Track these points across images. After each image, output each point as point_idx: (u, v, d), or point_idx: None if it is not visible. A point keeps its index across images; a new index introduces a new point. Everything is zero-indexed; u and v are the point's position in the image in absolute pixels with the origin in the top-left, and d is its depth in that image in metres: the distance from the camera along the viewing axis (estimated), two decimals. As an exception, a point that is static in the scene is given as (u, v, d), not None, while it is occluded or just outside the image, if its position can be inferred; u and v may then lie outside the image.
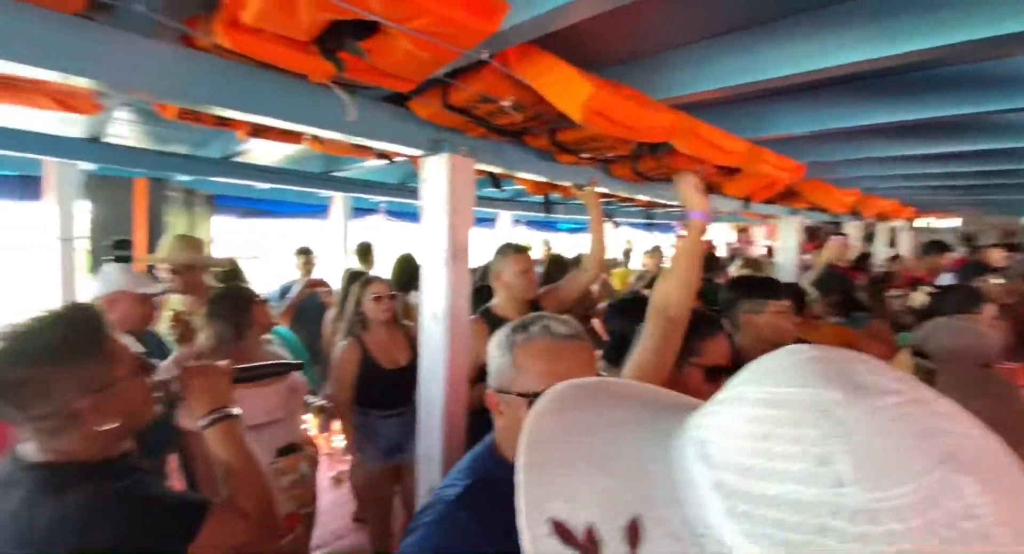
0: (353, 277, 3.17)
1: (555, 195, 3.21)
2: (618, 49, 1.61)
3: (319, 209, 4.81)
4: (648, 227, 4.00)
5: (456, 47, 1.12)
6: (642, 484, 0.36)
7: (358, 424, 2.35)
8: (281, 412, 1.93)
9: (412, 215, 5.45)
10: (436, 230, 1.81)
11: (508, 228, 6.14)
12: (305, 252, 3.76)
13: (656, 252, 4.99)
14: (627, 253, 6.03)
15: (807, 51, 1.35)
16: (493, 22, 1.05)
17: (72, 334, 0.89)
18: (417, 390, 1.93)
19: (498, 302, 2.20)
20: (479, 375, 2.02)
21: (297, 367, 1.31)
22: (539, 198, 3.33)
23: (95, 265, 2.97)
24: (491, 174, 2.49)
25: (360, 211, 4.98)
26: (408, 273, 3.23)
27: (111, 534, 0.82)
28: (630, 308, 2.29)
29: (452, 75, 1.41)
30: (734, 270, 4.44)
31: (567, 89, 1.21)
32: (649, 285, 4.12)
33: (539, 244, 6.19)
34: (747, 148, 2.13)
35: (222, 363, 1.10)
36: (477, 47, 1.15)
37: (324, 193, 4.40)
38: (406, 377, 2.23)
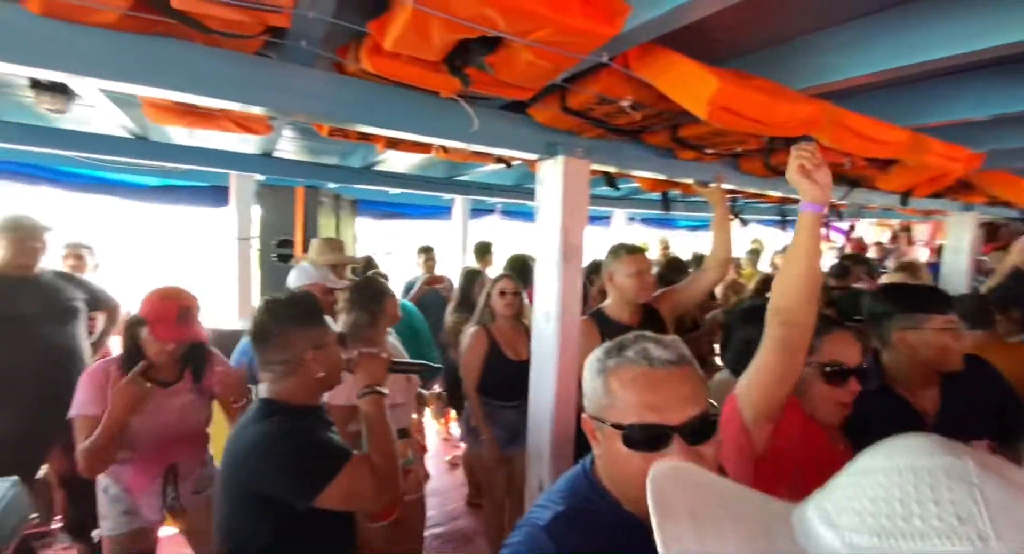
0: (470, 275, 3.35)
1: (674, 192, 3.07)
2: (749, 38, 1.50)
3: (443, 211, 5.16)
4: (781, 224, 3.60)
5: (576, 54, 1.14)
6: (767, 545, 0.43)
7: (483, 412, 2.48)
8: (400, 398, 2.12)
9: (526, 215, 5.58)
10: (550, 231, 1.85)
11: (623, 227, 6.00)
12: (426, 250, 4.05)
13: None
14: (755, 253, 5.47)
15: (978, 28, 1.13)
16: (614, 25, 1.05)
17: (306, 307, 1.29)
18: (529, 387, 1.98)
19: (610, 304, 2.16)
20: None
21: (435, 370, 1.56)
22: (656, 195, 3.20)
23: (263, 260, 3.50)
24: (607, 173, 2.47)
25: (479, 212, 5.24)
26: (520, 272, 3.32)
27: (279, 457, 1.12)
28: (757, 315, 2.13)
29: (570, 79, 1.43)
30: (887, 276, 3.86)
31: (690, 85, 1.16)
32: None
33: (656, 243, 5.93)
34: (907, 138, 1.84)
35: (384, 355, 1.41)
36: (597, 51, 1.16)
37: (447, 196, 4.71)
38: (526, 370, 2.30)
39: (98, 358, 2.66)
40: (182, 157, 2.95)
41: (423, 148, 2.18)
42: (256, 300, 3.55)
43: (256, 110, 1.37)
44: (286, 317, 1.25)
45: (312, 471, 1.12)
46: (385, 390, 1.35)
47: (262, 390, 1.28)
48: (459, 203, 4.83)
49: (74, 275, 2.69)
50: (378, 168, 3.38)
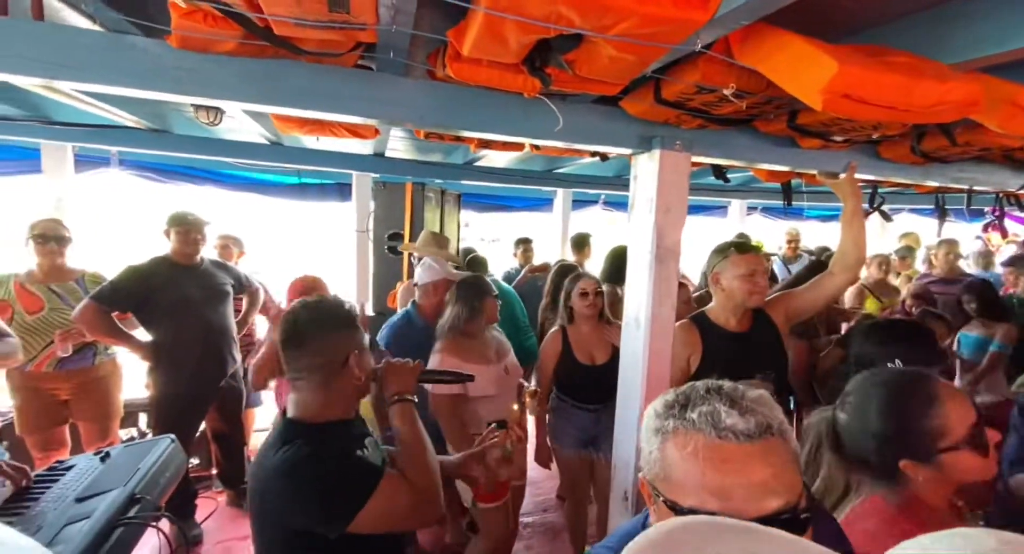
0: (563, 270, 3.30)
1: (797, 181, 2.71)
2: (886, 4, 1.25)
3: (545, 202, 5.16)
4: (939, 215, 2.98)
5: (664, 44, 1.04)
6: None
7: (555, 408, 2.46)
8: (493, 390, 2.16)
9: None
10: (642, 231, 1.74)
11: (740, 218, 5.49)
12: (524, 242, 4.07)
13: (948, 247, 3.74)
14: (908, 250, 4.55)
15: None
16: (705, 10, 0.94)
17: (344, 311, 1.22)
18: (617, 394, 1.91)
19: (714, 307, 1.98)
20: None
21: (468, 378, 1.48)
22: (775, 185, 2.86)
23: (377, 251, 3.79)
24: (716, 166, 2.26)
25: (581, 203, 5.14)
26: (619, 265, 3.19)
27: (303, 487, 1.03)
28: (880, 334, 1.81)
29: (663, 68, 1.31)
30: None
31: (802, 70, 0.99)
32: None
33: (780, 236, 5.30)
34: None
35: (413, 364, 1.35)
36: (688, 39, 1.05)
37: (548, 188, 4.69)
38: (601, 375, 2.23)
39: (242, 336, 3.10)
40: (309, 159, 3.29)
41: (516, 146, 2.17)
42: (371, 288, 3.87)
43: (355, 119, 1.46)
44: (326, 320, 1.18)
45: (341, 498, 1.04)
46: (413, 397, 1.30)
47: (289, 407, 1.18)
48: (560, 195, 4.79)
49: (225, 262, 3.13)
50: (479, 164, 3.46)
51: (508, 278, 4.08)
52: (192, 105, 2.39)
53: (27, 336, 2.49)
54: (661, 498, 0.65)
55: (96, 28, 1.32)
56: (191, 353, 2.65)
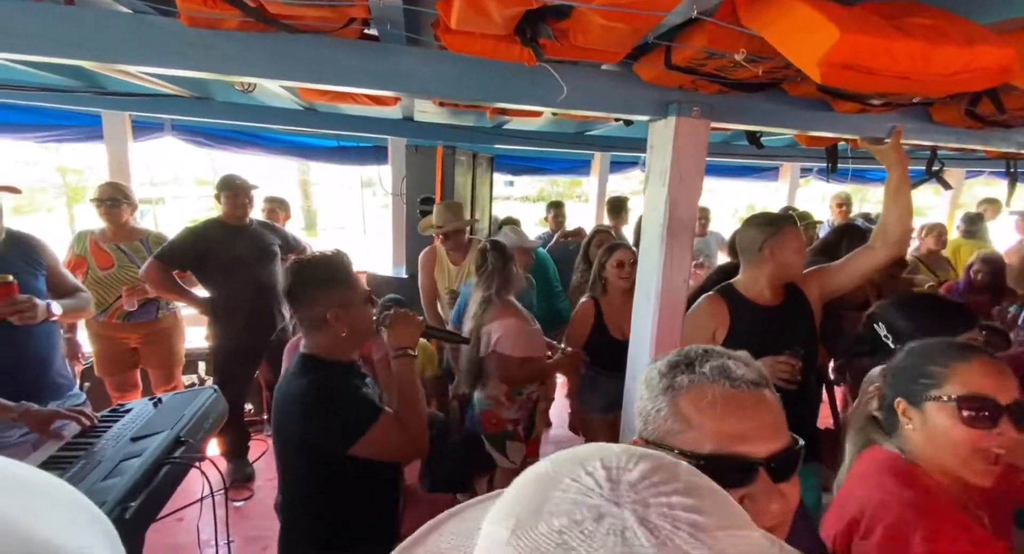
0: (596, 235, 3.25)
1: (844, 144, 2.50)
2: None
3: (582, 164, 5.02)
4: (1009, 182, 2.64)
5: (656, 11, 0.99)
6: None
7: (584, 376, 2.50)
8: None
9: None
10: (656, 202, 1.70)
11: (793, 181, 5.14)
12: (556, 206, 4.02)
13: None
14: (974, 220, 4.05)
15: None
16: (694, -26, 0.88)
17: (329, 269, 1.33)
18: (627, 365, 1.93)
19: (744, 280, 1.91)
20: None
21: (465, 340, 1.78)
22: (819, 150, 2.64)
23: (410, 215, 3.87)
24: (746, 130, 2.13)
25: (620, 165, 4.97)
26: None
27: (319, 409, 1.23)
28: (918, 308, 1.70)
29: (668, 35, 1.24)
30: None
31: (801, 38, 0.91)
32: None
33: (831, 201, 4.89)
34: None
35: (419, 317, 1.49)
36: (683, 5, 0.99)
37: (586, 151, 4.56)
38: None
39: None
40: (342, 124, 3.36)
41: (533, 113, 2.13)
42: (405, 250, 3.99)
43: (359, 91, 1.49)
44: (309, 278, 1.31)
45: (347, 423, 1.24)
46: (414, 353, 1.42)
47: (302, 344, 1.39)
48: (598, 158, 4.65)
49: (273, 224, 3.30)
50: (509, 126, 3.41)
51: (543, 242, 4.07)
52: (227, 74, 2.49)
53: (99, 290, 2.78)
54: (674, 452, 0.69)
55: (123, 9, 1.40)
56: (242, 309, 2.85)
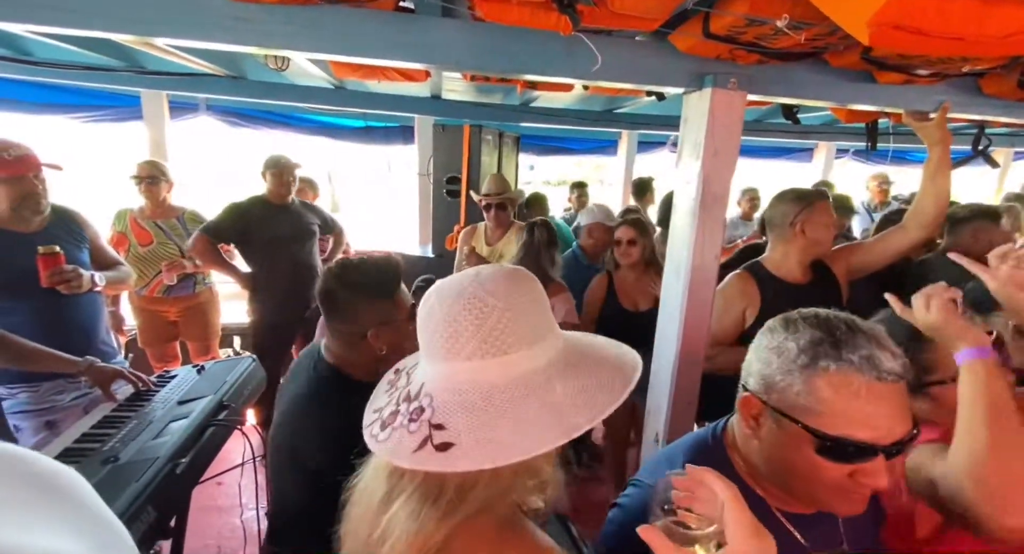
0: (624, 214, 3.23)
1: (885, 121, 2.41)
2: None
3: (608, 144, 4.96)
4: None
5: (698, -28, 0.97)
6: None
7: None
8: None
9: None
10: (688, 176, 1.67)
11: (827, 162, 4.98)
12: (579, 186, 4.00)
13: None
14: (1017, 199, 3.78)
15: None
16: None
17: (379, 277, 1.18)
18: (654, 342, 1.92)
19: (772, 257, 1.90)
20: (741, 338, 1.85)
21: None
22: (858, 126, 2.54)
23: (436, 195, 3.89)
24: (783, 104, 2.07)
25: (647, 145, 4.90)
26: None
27: (338, 441, 1.00)
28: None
29: (708, 1, 1.21)
30: None
31: (851, -1, 0.88)
32: None
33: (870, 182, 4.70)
34: None
35: None
36: (727, -34, 0.96)
37: (613, 130, 4.50)
38: (644, 321, 2.24)
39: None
40: (371, 102, 3.39)
41: (564, 87, 2.11)
42: (431, 230, 4.02)
43: (393, 63, 1.49)
44: (353, 288, 1.14)
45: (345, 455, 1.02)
46: None
47: (323, 346, 1.24)
48: (625, 137, 4.58)
49: (313, 204, 3.35)
50: (536, 104, 3.38)
51: (568, 221, 4.07)
52: (261, 52, 2.53)
53: (140, 265, 2.89)
54: (799, 424, 0.71)
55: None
56: (280, 286, 2.93)
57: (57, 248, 1.83)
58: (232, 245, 2.96)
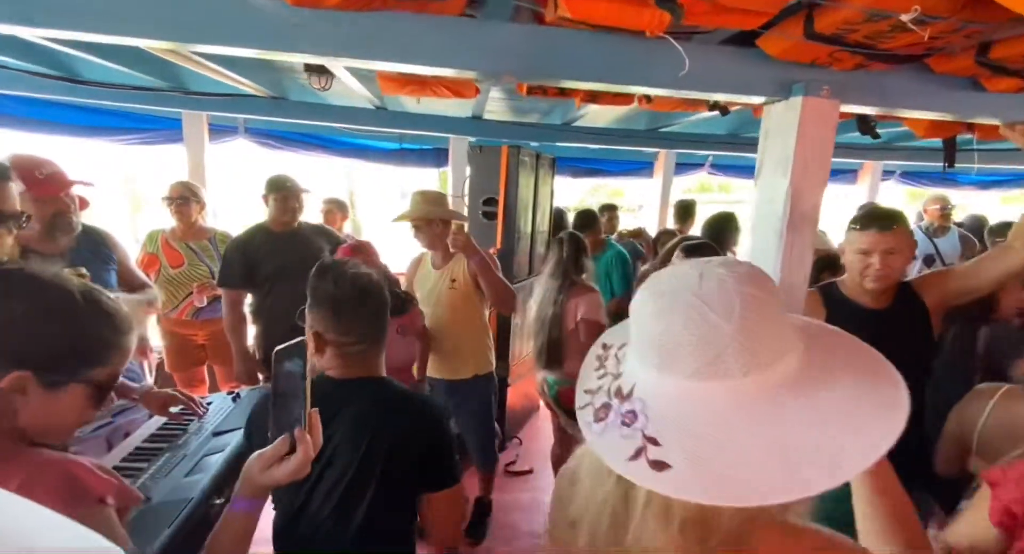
0: (662, 235, 3.10)
1: (964, 137, 2.24)
2: None
3: (644, 165, 4.84)
4: None
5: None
6: None
7: None
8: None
9: (741, 168, 4.88)
10: (773, 193, 1.52)
11: (873, 183, 4.78)
12: (609, 209, 3.87)
13: None
14: None
15: None
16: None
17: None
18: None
19: (848, 279, 1.73)
20: None
21: None
22: (933, 142, 2.37)
23: (472, 217, 3.79)
24: (862, 117, 1.93)
25: (684, 166, 4.77)
26: (715, 234, 2.92)
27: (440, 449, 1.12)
28: None
29: (820, -6, 1.09)
30: None
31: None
32: None
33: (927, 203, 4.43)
34: None
35: None
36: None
37: (649, 150, 4.38)
38: None
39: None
40: (409, 123, 3.34)
41: (624, 99, 1.99)
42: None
43: (456, 72, 1.39)
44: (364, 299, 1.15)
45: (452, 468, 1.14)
46: None
47: (320, 364, 1.20)
48: (663, 157, 4.46)
49: (325, 227, 3.06)
50: (578, 123, 3.29)
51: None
52: (306, 71, 2.48)
53: (171, 287, 2.81)
54: None
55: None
56: (281, 324, 2.40)
57: (84, 270, 1.74)
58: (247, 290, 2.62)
